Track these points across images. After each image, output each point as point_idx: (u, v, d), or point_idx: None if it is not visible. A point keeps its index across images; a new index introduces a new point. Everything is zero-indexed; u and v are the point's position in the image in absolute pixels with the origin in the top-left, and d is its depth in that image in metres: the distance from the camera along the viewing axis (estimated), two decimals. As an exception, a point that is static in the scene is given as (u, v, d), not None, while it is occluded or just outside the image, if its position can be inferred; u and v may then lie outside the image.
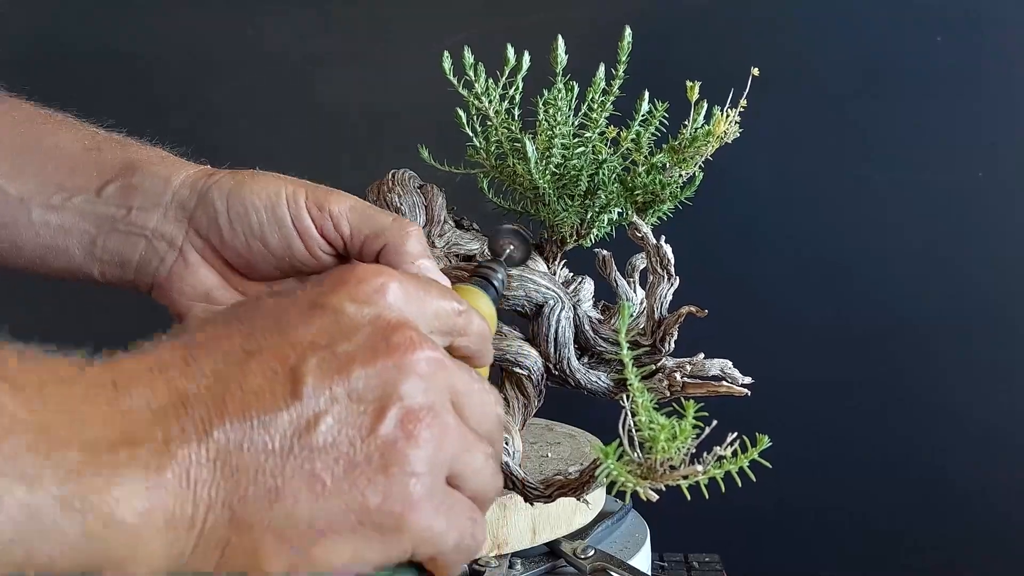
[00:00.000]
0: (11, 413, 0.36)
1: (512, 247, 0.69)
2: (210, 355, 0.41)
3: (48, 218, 0.62)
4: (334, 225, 0.60)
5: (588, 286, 0.74)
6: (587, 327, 0.71)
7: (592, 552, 0.74)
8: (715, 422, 0.48)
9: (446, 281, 0.58)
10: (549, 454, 0.82)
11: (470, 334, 0.50)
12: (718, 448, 0.48)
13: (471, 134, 0.74)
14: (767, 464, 0.48)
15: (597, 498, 0.79)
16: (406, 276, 0.47)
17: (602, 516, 0.80)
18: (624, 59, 0.72)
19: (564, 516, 0.75)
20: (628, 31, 0.72)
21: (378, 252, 0.59)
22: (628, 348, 0.51)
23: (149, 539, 0.37)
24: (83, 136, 0.66)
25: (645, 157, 0.72)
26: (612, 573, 0.72)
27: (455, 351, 0.50)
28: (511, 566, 0.73)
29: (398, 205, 0.74)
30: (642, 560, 0.78)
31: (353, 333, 0.43)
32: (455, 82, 0.71)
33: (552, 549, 0.75)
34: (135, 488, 0.37)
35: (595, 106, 0.72)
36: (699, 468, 0.48)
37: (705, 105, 0.71)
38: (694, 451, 0.48)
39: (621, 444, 0.49)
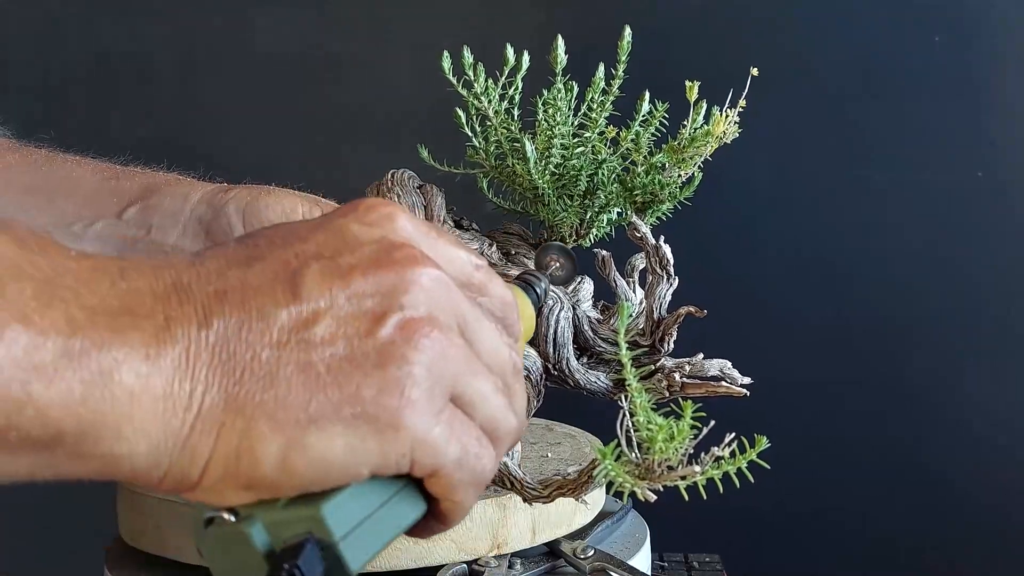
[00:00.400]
0: (16, 264, 0.37)
1: (557, 264, 0.69)
2: (215, 259, 0.42)
3: (70, 246, 0.63)
4: None
5: (587, 286, 0.74)
6: (586, 327, 0.71)
7: (592, 552, 0.74)
8: (713, 422, 0.48)
9: None
10: (549, 454, 0.82)
11: (491, 295, 0.48)
12: (716, 449, 0.48)
13: (470, 134, 0.74)
14: (765, 465, 0.48)
15: (597, 498, 0.79)
16: (420, 220, 0.46)
17: (602, 516, 0.80)
18: (624, 59, 0.72)
19: (564, 516, 0.75)
20: (628, 31, 0.72)
21: None
22: (627, 348, 0.51)
23: (146, 406, 0.38)
24: (100, 168, 0.68)
25: (644, 157, 0.72)
26: (612, 573, 0.72)
27: None
28: (511, 566, 0.73)
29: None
30: (642, 560, 0.78)
31: (357, 248, 0.42)
32: (454, 82, 0.71)
33: (552, 549, 0.76)
34: (135, 352, 0.37)
35: (594, 106, 0.73)
36: (697, 469, 0.48)
37: (704, 105, 0.71)
38: (692, 452, 0.48)
39: (619, 444, 0.49)
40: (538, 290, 0.62)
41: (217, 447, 0.39)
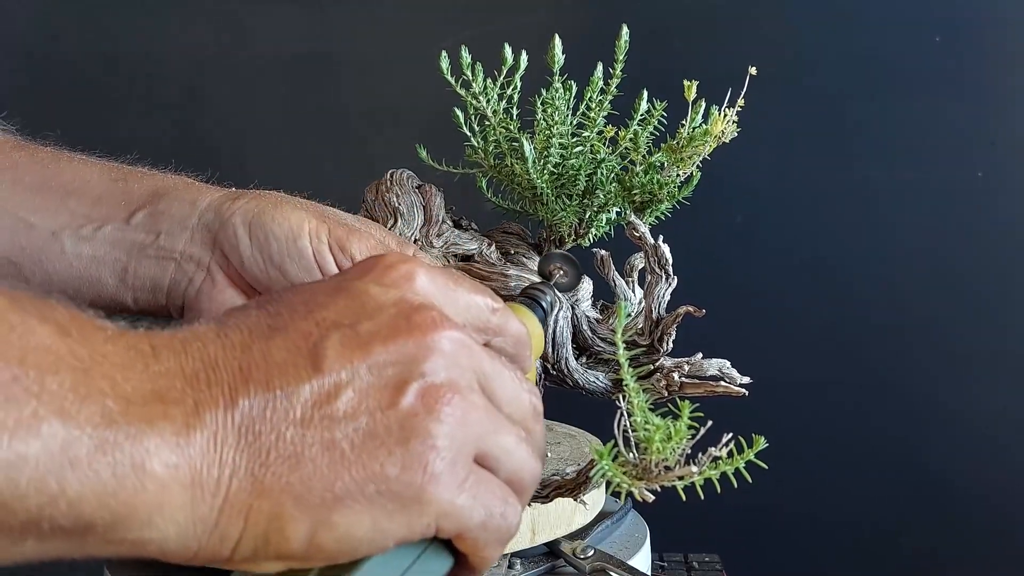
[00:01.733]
0: (57, 353, 0.38)
1: (561, 272, 0.69)
2: (239, 330, 0.42)
3: (81, 249, 0.63)
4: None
5: (586, 286, 0.74)
6: (585, 327, 0.71)
7: (592, 552, 0.74)
8: (710, 422, 0.48)
9: None
10: (549, 454, 0.82)
11: (506, 334, 0.50)
12: (713, 449, 0.48)
13: (469, 134, 0.74)
14: (763, 465, 0.48)
15: (597, 498, 0.79)
16: (437, 269, 0.47)
17: (602, 516, 0.80)
18: (622, 58, 0.72)
19: (564, 516, 0.75)
20: (625, 30, 0.72)
21: None
22: (626, 348, 0.51)
23: (175, 495, 0.38)
24: (108, 169, 0.67)
25: (643, 157, 0.72)
26: (612, 573, 0.72)
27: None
28: (511, 566, 0.72)
29: (396, 205, 0.74)
30: (642, 560, 0.77)
31: (376, 313, 0.43)
32: (453, 82, 0.71)
33: (552, 549, 0.75)
34: (165, 442, 0.38)
35: (593, 105, 0.72)
36: (694, 469, 0.48)
37: (703, 104, 0.71)
38: (689, 452, 0.48)
39: (616, 445, 0.49)
40: (544, 304, 0.62)
41: (246, 529, 0.40)
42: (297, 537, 0.40)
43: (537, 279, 0.71)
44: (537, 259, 0.74)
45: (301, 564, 0.41)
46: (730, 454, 0.48)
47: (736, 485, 0.48)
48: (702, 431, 0.48)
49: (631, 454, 0.49)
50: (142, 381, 0.39)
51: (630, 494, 0.49)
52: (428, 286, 0.46)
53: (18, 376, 0.36)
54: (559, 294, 0.70)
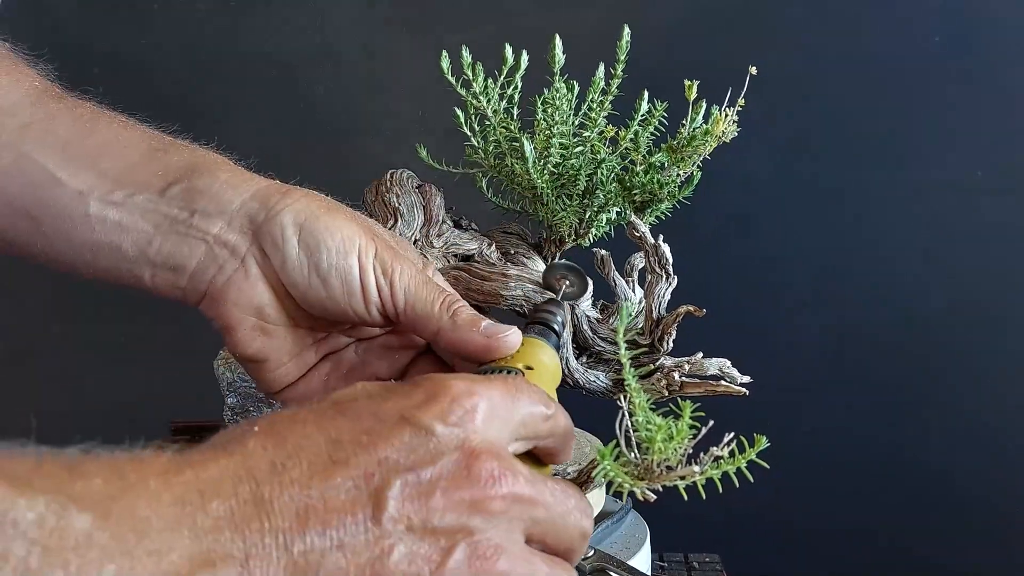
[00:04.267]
0: (101, 546, 0.37)
1: (568, 283, 0.69)
2: (297, 462, 0.42)
3: (107, 213, 0.60)
4: (392, 295, 0.60)
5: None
6: (585, 326, 0.71)
7: (592, 552, 0.74)
8: (712, 422, 0.48)
9: (517, 335, 0.59)
10: (548, 454, 0.82)
11: (555, 435, 0.51)
12: (715, 449, 0.48)
13: (469, 134, 0.74)
14: (765, 465, 0.48)
15: (597, 498, 0.79)
16: (496, 391, 0.47)
17: (602, 516, 0.80)
18: (623, 59, 0.72)
19: (563, 516, 0.75)
20: (627, 31, 0.72)
21: (435, 333, 0.60)
22: (626, 348, 0.51)
23: None
24: (149, 136, 0.65)
25: (643, 156, 0.72)
26: (612, 573, 0.72)
27: (537, 450, 0.51)
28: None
29: (396, 205, 0.73)
30: (642, 560, 0.77)
31: (439, 457, 0.44)
32: (453, 82, 0.71)
33: (551, 549, 0.75)
34: None
35: (594, 106, 0.72)
36: (696, 469, 0.48)
37: (703, 105, 0.71)
38: (691, 452, 0.48)
39: (618, 444, 0.49)
40: (557, 328, 0.63)
41: None
42: None
43: (537, 279, 0.71)
44: (537, 259, 0.74)
45: None
46: (731, 454, 0.48)
47: (738, 485, 0.48)
48: (704, 431, 0.48)
49: (633, 454, 0.49)
50: (190, 543, 0.38)
51: (632, 494, 0.49)
52: (489, 419, 0.46)
53: None
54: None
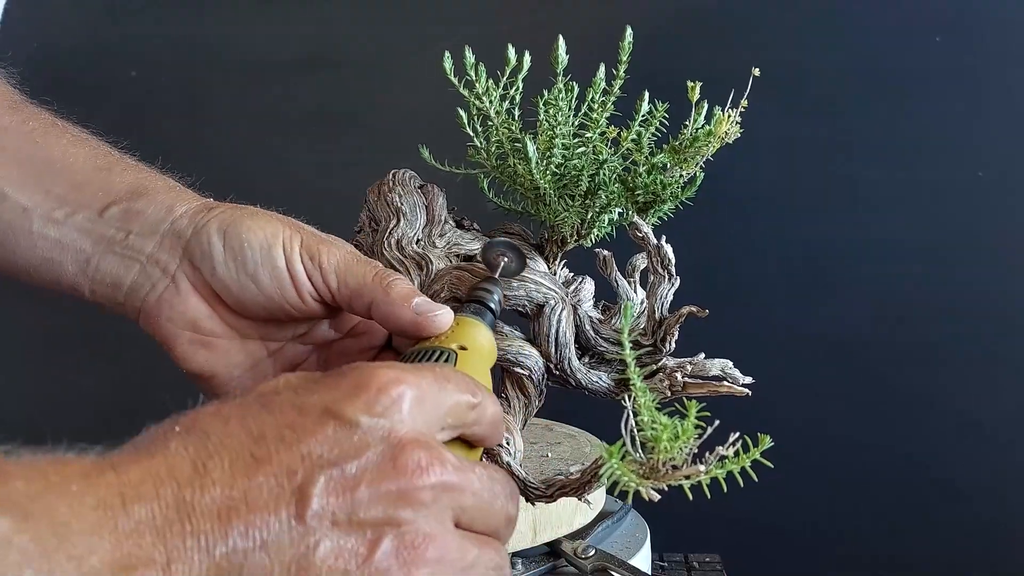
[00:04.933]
0: (20, 549, 0.37)
1: (506, 259, 0.68)
2: (219, 461, 0.42)
3: (47, 231, 0.63)
4: (322, 277, 0.61)
5: (589, 286, 0.74)
6: (588, 327, 0.71)
7: (593, 552, 0.74)
8: (717, 422, 0.48)
9: (448, 315, 0.59)
10: (549, 454, 0.82)
11: (483, 423, 0.51)
12: (720, 448, 0.48)
13: (472, 134, 0.74)
14: (769, 464, 0.48)
15: (597, 498, 0.79)
16: (424, 379, 0.47)
17: (602, 516, 0.80)
18: (625, 59, 0.72)
19: (565, 516, 0.75)
20: (629, 31, 0.72)
21: (368, 307, 0.60)
22: (630, 348, 0.51)
23: None
24: (97, 154, 0.66)
25: (646, 157, 0.72)
26: (612, 573, 0.72)
27: (466, 437, 0.51)
28: (512, 566, 0.73)
29: (399, 205, 0.74)
30: (642, 560, 0.78)
31: (364, 450, 0.44)
32: (456, 82, 0.71)
33: (553, 549, 0.76)
34: None
35: (596, 106, 0.72)
36: (701, 468, 0.48)
37: (706, 105, 0.71)
38: (696, 451, 0.48)
39: (624, 444, 0.49)
40: (493, 306, 0.63)
41: None
42: None
43: (539, 279, 0.71)
44: (539, 259, 0.74)
45: None
46: (736, 453, 0.48)
47: (742, 485, 0.48)
48: (709, 430, 0.48)
49: (638, 453, 0.49)
50: (111, 547, 0.38)
51: (634, 493, 0.49)
52: (415, 408, 0.46)
53: None
54: (562, 294, 0.70)
